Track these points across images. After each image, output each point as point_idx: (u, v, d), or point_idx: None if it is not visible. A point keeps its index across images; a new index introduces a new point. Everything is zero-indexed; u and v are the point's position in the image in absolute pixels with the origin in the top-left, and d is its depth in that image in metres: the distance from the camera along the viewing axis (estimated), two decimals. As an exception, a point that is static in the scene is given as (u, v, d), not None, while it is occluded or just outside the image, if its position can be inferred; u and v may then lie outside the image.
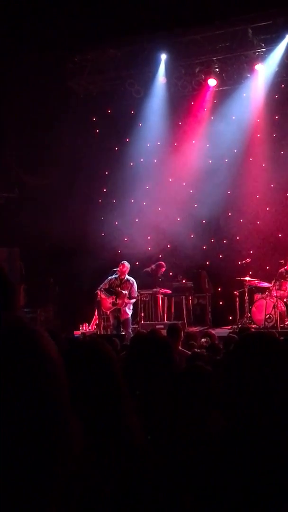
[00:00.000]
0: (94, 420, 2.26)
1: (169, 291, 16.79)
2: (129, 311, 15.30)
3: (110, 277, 15.37)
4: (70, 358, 2.48)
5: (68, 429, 1.65)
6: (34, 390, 1.59)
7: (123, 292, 15.01)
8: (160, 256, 18.03)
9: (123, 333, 14.69)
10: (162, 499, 2.21)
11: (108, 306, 15.27)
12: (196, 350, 8.56)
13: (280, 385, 2.40)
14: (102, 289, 15.34)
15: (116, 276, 15.28)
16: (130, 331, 14.89)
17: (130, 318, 15.41)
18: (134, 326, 15.76)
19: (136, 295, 15.32)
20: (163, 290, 16.68)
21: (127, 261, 15.56)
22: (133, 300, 15.35)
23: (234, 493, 2.25)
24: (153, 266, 17.34)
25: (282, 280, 15.61)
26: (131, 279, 15.31)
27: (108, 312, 15.46)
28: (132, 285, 15.18)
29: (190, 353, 8.15)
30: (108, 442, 2.21)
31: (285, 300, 15.46)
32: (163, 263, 17.33)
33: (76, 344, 2.71)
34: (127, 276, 15.27)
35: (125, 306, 15.10)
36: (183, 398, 3.54)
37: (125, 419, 2.31)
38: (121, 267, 15.23)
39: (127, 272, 15.29)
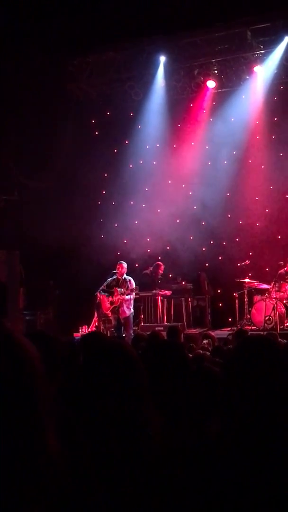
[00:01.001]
0: (117, 420, 2.26)
1: (169, 293, 16.78)
2: (128, 311, 15.23)
3: (108, 279, 15.38)
4: (96, 358, 2.49)
5: (44, 430, 1.67)
6: (11, 389, 1.61)
7: (119, 289, 15.01)
8: (159, 258, 18.03)
9: (124, 334, 14.70)
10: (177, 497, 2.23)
11: (107, 307, 15.29)
12: (200, 351, 8.53)
13: (278, 391, 2.41)
14: (101, 291, 15.37)
15: (114, 277, 15.28)
16: (132, 332, 14.88)
17: (131, 318, 15.39)
18: (134, 328, 15.76)
19: (133, 288, 15.25)
20: (163, 292, 16.67)
21: (126, 263, 15.57)
22: (128, 297, 15.29)
23: (230, 495, 2.27)
24: (150, 268, 17.34)
25: (281, 282, 15.62)
26: (128, 277, 15.31)
27: (109, 313, 15.46)
28: (129, 283, 15.18)
29: (190, 355, 8.12)
30: (131, 445, 2.23)
31: (284, 301, 15.47)
32: (160, 263, 17.33)
33: (102, 345, 2.70)
34: (125, 276, 15.28)
35: (122, 305, 15.05)
36: (191, 398, 3.55)
37: (148, 419, 2.32)
38: (119, 268, 15.23)
39: (125, 272, 15.30)
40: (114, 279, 15.25)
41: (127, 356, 2.49)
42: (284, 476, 2.25)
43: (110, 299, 15.15)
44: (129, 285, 15.14)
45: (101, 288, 15.39)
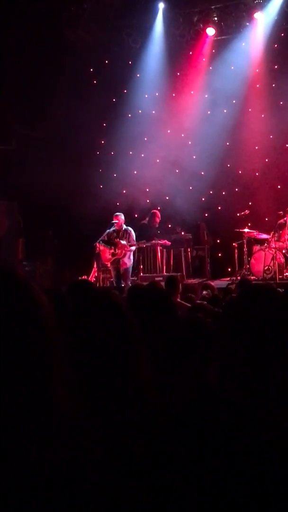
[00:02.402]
0: (108, 372, 2.26)
1: (168, 243, 16.78)
2: (129, 262, 15.28)
3: (108, 230, 15.36)
4: (85, 309, 2.47)
5: (56, 376, 1.67)
6: (24, 333, 1.61)
7: (122, 242, 15.01)
8: (158, 208, 17.97)
9: (123, 285, 14.74)
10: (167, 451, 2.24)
11: (108, 258, 15.28)
12: (198, 302, 8.55)
13: (280, 340, 2.41)
14: (100, 241, 15.34)
15: (114, 228, 15.26)
16: (129, 282, 14.92)
17: (130, 269, 15.42)
18: (133, 278, 15.79)
19: (135, 243, 15.30)
20: (162, 241, 16.67)
21: (125, 214, 15.56)
22: (133, 248, 15.32)
23: (228, 447, 2.28)
24: (147, 217, 17.31)
25: (280, 232, 15.62)
26: (129, 228, 15.31)
27: (109, 264, 15.48)
28: (130, 234, 15.19)
29: (189, 305, 8.15)
30: (122, 396, 2.23)
31: (283, 251, 15.49)
32: (156, 211, 17.25)
33: (90, 295, 2.68)
34: (124, 227, 15.26)
35: (125, 256, 15.09)
36: (183, 349, 3.56)
37: (139, 372, 2.32)
38: (116, 220, 15.20)
39: (123, 223, 15.27)
40: (115, 230, 15.22)
41: (114, 304, 2.47)
42: (284, 420, 2.27)
43: (112, 250, 15.14)
44: (130, 238, 15.14)
45: (100, 238, 15.37)
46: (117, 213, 15.37)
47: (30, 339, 1.61)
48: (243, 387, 2.37)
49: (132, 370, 2.28)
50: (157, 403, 2.30)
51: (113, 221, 15.30)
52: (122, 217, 15.30)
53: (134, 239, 15.28)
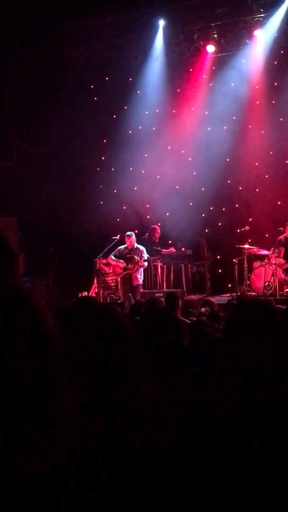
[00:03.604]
0: (106, 385, 2.26)
1: (173, 250, 16.90)
2: (140, 278, 15.39)
3: (119, 248, 15.40)
4: (87, 323, 2.48)
5: (63, 389, 1.68)
6: (29, 348, 1.62)
7: (135, 257, 15.08)
8: (159, 224, 18.00)
9: (128, 301, 14.74)
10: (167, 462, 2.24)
11: (119, 272, 15.32)
12: (199, 318, 8.52)
13: (275, 352, 2.41)
14: (111, 256, 15.39)
15: (125, 246, 15.33)
16: (138, 297, 14.94)
17: (141, 285, 15.49)
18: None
19: (146, 257, 15.36)
20: (166, 251, 16.79)
21: (125, 230, 15.60)
22: (145, 264, 15.39)
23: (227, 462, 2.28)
24: (147, 233, 17.36)
25: (281, 248, 15.62)
26: (140, 246, 15.38)
27: (119, 278, 15.50)
28: (142, 252, 15.26)
29: (189, 321, 8.13)
30: (121, 408, 2.23)
31: (284, 268, 15.49)
32: (156, 226, 17.34)
33: (92, 310, 2.70)
34: (136, 245, 15.32)
35: (136, 271, 15.14)
36: (192, 367, 3.56)
37: (138, 385, 2.32)
38: (127, 241, 15.27)
39: (134, 242, 15.34)
40: (126, 248, 15.28)
41: (117, 321, 2.48)
42: (281, 438, 2.26)
43: (124, 265, 15.17)
44: (142, 255, 15.21)
45: (112, 254, 15.40)
46: (128, 233, 15.40)
47: (35, 351, 1.63)
48: (237, 405, 2.37)
49: (132, 386, 2.28)
50: (155, 421, 2.30)
51: (115, 237, 15.39)
52: (133, 237, 15.36)
53: (146, 255, 15.35)
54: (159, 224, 17.97)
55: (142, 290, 16.05)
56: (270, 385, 2.36)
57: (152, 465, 2.15)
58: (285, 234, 15.69)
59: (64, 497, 1.59)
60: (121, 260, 15.24)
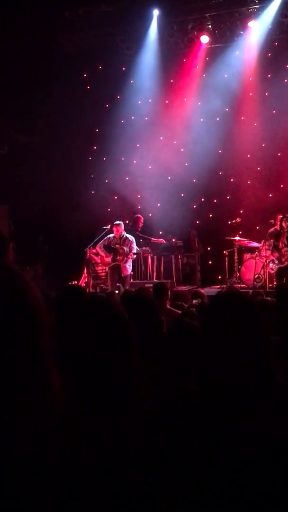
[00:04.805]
0: (104, 376, 2.25)
1: (163, 241, 16.89)
2: (130, 268, 15.32)
3: (108, 236, 15.34)
4: (84, 314, 2.47)
5: (49, 364, 1.67)
6: (19, 328, 1.62)
7: (124, 248, 15.02)
8: (150, 215, 17.99)
9: (117, 291, 14.71)
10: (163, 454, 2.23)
11: (108, 262, 15.28)
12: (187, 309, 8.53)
13: (249, 344, 2.40)
14: (101, 246, 15.33)
15: (114, 235, 15.27)
16: (128, 287, 14.91)
17: (129, 276, 15.45)
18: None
19: (136, 251, 15.30)
20: (155, 240, 16.79)
21: (116, 220, 15.53)
22: (134, 256, 15.34)
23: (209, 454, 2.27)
24: (130, 222, 17.31)
25: (271, 240, 15.61)
26: (130, 236, 15.30)
27: (107, 268, 15.46)
28: (131, 242, 15.18)
29: (180, 312, 8.13)
30: (119, 400, 2.22)
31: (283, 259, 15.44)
32: (140, 216, 17.24)
33: (89, 300, 2.69)
34: (125, 234, 15.25)
35: (125, 262, 15.09)
36: (171, 353, 3.55)
37: (135, 376, 2.31)
38: (115, 230, 15.17)
39: (123, 232, 15.26)
40: (115, 237, 15.22)
41: (113, 311, 2.47)
42: (260, 428, 2.25)
43: (112, 255, 15.13)
44: (131, 246, 15.14)
45: (101, 243, 15.34)
46: (117, 222, 15.31)
47: (22, 327, 1.63)
48: (220, 395, 2.36)
49: (129, 374, 2.28)
50: (152, 410, 2.30)
51: (106, 227, 15.34)
52: (122, 226, 15.28)
53: (135, 247, 15.27)
54: (150, 214, 17.95)
55: (132, 280, 16.04)
56: (243, 377, 2.35)
57: (146, 458, 2.15)
58: (275, 227, 15.67)
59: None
60: (109, 253, 15.18)
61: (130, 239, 15.24)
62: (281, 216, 15.16)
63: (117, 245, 15.12)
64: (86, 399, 2.18)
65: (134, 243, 15.26)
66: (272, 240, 15.39)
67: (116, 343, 2.34)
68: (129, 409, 2.20)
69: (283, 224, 15.07)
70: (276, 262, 15.07)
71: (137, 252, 15.47)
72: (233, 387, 2.33)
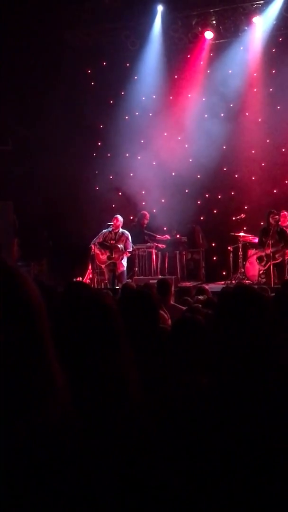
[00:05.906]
0: (93, 372, 2.26)
1: (168, 237, 16.91)
2: (125, 264, 15.32)
3: (103, 231, 15.35)
4: (75, 308, 2.47)
5: (49, 357, 1.68)
6: (16, 323, 1.62)
7: (118, 246, 15.01)
8: (154, 210, 17.98)
9: (117, 287, 14.70)
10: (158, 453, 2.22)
11: (103, 260, 15.28)
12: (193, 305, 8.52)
13: (261, 338, 2.41)
14: (96, 243, 15.33)
15: (110, 229, 15.26)
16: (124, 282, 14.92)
17: (125, 271, 15.44)
18: (128, 280, 15.75)
19: (131, 248, 15.30)
20: (161, 237, 16.81)
21: (121, 216, 15.54)
22: (129, 254, 15.34)
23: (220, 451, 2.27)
24: (136, 219, 17.32)
25: (263, 238, 15.54)
26: (126, 232, 15.29)
27: (103, 266, 15.47)
28: (127, 238, 15.16)
29: (184, 308, 8.12)
30: (107, 395, 2.22)
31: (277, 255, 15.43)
32: (145, 212, 17.24)
33: (80, 295, 2.69)
34: (121, 230, 15.25)
35: (121, 259, 15.10)
36: (175, 349, 3.56)
37: (124, 371, 2.31)
38: (114, 221, 15.19)
39: (120, 225, 15.26)
40: (110, 232, 15.21)
41: (105, 306, 2.47)
42: (272, 426, 2.26)
43: (108, 253, 15.14)
44: (126, 242, 15.13)
45: (95, 240, 15.35)
46: (117, 215, 15.38)
47: (20, 320, 1.63)
48: (231, 390, 2.36)
49: (117, 370, 2.28)
50: (143, 405, 2.29)
51: (111, 223, 15.31)
52: (120, 219, 15.30)
53: (131, 243, 15.26)
54: (154, 210, 17.95)
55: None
56: (257, 371, 2.36)
57: (138, 449, 2.14)
58: (280, 223, 15.63)
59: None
60: (104, 251, 15.19)
61: (125, 234, 15.22)
62: (268, 212, 15.15)
63: (112, 241, 15.10)
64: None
65: (130, 239, 15.24)
66: (263, 238, 15.27)
67: (101, 335, 2.34)
68: (117, 404, 2.21)
69: (271, 220, 15.04)
70: (265, 260, 15.04)
71: (132, 250, 15.46)
72: (247, 380, 2.34)
